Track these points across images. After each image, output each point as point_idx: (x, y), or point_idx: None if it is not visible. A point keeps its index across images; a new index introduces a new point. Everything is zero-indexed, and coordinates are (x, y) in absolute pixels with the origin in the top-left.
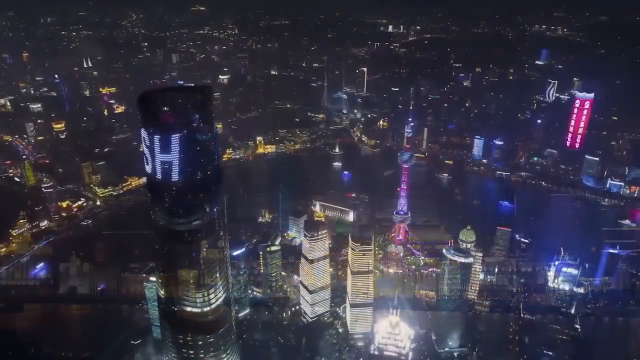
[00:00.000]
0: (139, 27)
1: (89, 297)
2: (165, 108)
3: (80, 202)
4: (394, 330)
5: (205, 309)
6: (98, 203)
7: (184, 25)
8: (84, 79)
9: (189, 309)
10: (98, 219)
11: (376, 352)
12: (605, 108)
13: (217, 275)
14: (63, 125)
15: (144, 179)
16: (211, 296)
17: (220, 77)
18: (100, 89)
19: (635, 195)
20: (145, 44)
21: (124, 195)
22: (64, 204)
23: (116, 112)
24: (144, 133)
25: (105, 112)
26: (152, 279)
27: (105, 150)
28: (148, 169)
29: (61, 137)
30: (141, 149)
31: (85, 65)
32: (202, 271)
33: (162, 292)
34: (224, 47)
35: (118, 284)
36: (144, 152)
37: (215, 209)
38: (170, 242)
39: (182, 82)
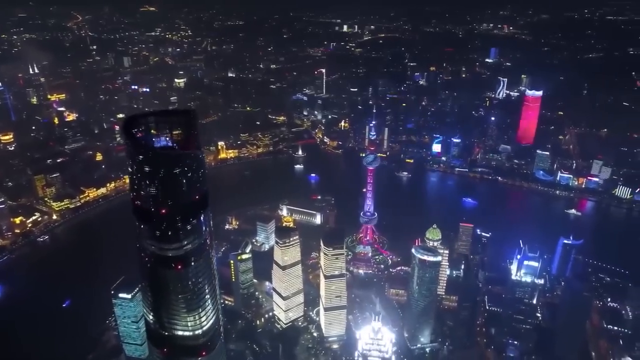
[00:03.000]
0: (86, 29)
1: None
2: (152, 133)
3: (34, 217)
4: (377, 336)
5: (197, 332)
6: (54, 217)
7: (134, 26)
8: (30, 85)
9: (180, 332)
10: (55, 233)
11: (360, 359)
12: (551, 103)
13: (208, 296)
14: (11, 136)
15: (102, 190)
16: (202, 319)
17: (176, 80)
18: (49, 96)
19: (583, 186)
20: (94, 47)
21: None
22: (17, 220)
23: (67, 119)
24: (130, 160)
25: (56, 121)
26: (122, 295)
27: (59, 160)
28: (136, 196)
29: (9, 148)
30: (98, 158)
31: (31, 71)
32: (193, 294)
33: (151, 317)
34: (178, 50)
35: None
36: (132, 179)
37: (204, 231)
38: (161, 268)
39: (136, 87)
